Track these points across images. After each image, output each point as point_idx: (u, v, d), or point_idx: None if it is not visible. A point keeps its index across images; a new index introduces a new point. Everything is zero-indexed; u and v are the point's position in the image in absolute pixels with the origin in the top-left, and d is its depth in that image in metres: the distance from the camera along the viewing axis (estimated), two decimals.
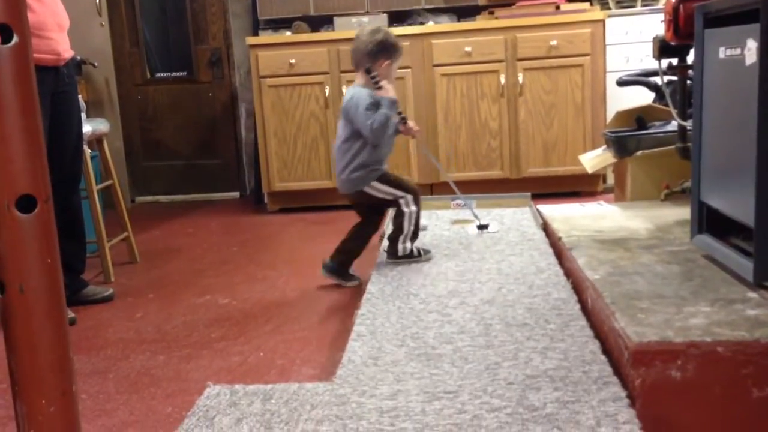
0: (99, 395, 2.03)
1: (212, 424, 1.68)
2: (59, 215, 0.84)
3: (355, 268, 2.95)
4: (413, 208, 2.85)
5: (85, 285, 2.94)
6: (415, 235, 2.87)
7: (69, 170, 2.83)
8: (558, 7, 4.45)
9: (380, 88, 2.78)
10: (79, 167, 2.93)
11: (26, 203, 0.79)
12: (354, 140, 2.81)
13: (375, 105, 2.75)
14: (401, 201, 2.85)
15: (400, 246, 2.84)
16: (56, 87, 2.69)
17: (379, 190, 2.87)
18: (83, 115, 3.04)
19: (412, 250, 2.85)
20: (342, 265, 2.92)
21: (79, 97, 2.95)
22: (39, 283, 0.80)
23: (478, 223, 3.19)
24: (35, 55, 0.87)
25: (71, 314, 2.63)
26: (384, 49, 2.82)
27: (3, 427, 1.88)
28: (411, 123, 3.00)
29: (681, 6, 2.41)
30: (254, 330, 2.48)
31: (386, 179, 2.87)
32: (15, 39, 0.79)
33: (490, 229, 3.16)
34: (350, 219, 3.21)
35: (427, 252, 2.88)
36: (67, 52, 2.74)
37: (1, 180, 0.79)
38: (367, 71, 2.80)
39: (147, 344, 2.41)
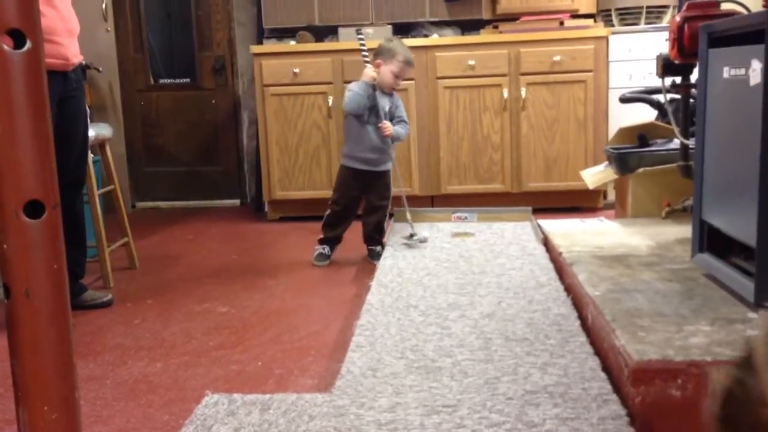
0: (96, 401, 2.02)
1: None
2: (62, 220, 0.84)
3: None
4: (327, 211, 3.45)
5: (84, 290, 2.93)
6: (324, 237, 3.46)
7: (73, 175, 2.83)
8: (562, 23, 4.46)
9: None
10: (83, 172, 2.92)
11: (34, 209, 0.80)
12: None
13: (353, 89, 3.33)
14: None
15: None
16: (64, 92, 2.69)
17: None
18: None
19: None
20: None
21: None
22: (45, 289, 0.80)
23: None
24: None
25: None
26: (378, 53, 3.38)
27: None
28: (385, 122, 3.35)
29: (685, 25, 2.42)
30: (253, 339, 2.47)
31: (340, 174, 3.45)
32: (28, 44, 0.79)
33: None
34: (350, 229, 3.24)
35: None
36: (75, 57, 2.74)
37: (10, 185, 0.79)
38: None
39: (145, 351, 2.40)
